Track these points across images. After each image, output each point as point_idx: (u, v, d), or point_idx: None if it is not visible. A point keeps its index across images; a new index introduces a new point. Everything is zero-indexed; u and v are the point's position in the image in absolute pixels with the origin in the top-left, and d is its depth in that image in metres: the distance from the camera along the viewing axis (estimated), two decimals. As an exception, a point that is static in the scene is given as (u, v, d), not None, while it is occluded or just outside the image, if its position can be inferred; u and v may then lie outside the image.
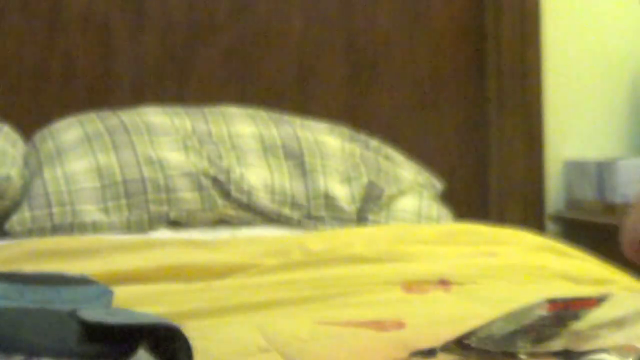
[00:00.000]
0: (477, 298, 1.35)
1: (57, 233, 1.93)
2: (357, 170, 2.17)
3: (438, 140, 2.52)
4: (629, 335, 1.03)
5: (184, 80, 2.40)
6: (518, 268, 1.57)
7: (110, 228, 1.96)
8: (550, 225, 2.52)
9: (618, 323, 1.10)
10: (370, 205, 2.13)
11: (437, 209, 2.20)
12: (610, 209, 2.33)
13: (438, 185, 2.30)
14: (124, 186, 1.99)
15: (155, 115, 2.15)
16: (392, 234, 1.85)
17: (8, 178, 1.96)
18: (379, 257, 1.63)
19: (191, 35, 2.42)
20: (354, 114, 2.46)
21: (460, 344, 0.99)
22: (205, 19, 2.43)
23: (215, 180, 2.05)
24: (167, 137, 2.08)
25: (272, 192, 2.08)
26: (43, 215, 1.94)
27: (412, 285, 1.44)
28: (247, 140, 2.15)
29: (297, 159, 2.14)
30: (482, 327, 1.04)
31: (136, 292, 1.39)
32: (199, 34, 2.42)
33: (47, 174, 2.00)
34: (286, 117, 2.28)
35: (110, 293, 1.23)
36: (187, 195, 2.01)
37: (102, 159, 2.02)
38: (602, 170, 2.38)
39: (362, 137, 2.31)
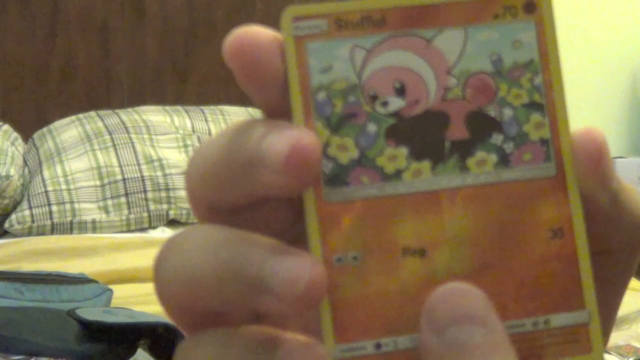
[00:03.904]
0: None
1: (56, 232, 1.93)
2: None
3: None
4: (628, 334, 1.04)
5: (184, 80, 2.41)
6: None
7: (110, 226, 1.97)
8: (549, 225, 2.53)
9: (616, 323, 1.11)
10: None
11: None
12: (609, 208, 2.34)
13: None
14: (123, 185, 1.99)
15: (154, 114, 2.15)
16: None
17: (8, 177, 1.96)
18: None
19: (191, 35, 2.42)
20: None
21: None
22: (205, 18, 2.43)
23: (214, 180, 2.05)
24: (167, 136, 2.09)
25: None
26: (42, 214, 1.94)
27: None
28: (247, 139, 2.16)
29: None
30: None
31: (135, 291, 1.39)
32: (199, 34, 2.42)
33: (46, 172, 2.00)
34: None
35: (109, 292, 1.24)
36: (187, 194, 2.02)
37: (101, 157, 2.02)
38: (601, 170, 2.38)
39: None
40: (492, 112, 0.27)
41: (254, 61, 0.26)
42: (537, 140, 0.27)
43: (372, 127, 0.26)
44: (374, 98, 0.26)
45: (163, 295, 0.27)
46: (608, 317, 0.31)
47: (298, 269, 0.24)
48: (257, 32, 0.26)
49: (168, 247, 0.27)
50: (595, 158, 0.27)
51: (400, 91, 0.27)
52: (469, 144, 0.27)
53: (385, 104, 0.26)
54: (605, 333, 0.31)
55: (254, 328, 0.26)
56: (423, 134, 0.27)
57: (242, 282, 0.25)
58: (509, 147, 0.27)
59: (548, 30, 0.28)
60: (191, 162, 0.27)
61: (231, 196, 0.26)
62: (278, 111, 0.26)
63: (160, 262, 0.27)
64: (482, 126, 0.27)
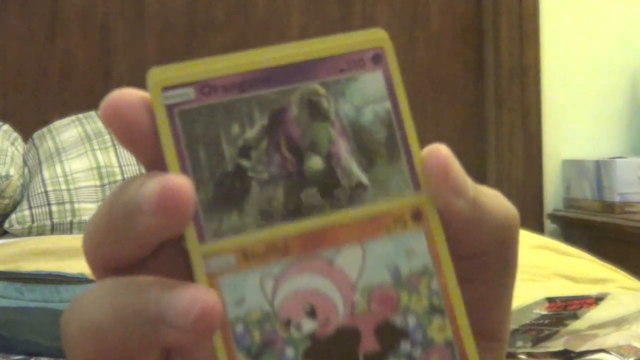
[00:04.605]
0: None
1: (56, 232, 1.93)
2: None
3: (437, 139, 2.51)
4: (628, 335, 1.03)
5: (184, 79, 2.41)
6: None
7: (110, 227, 1.96)
8: (548, 224, 2.53)
9: (617, 323, 1.10)
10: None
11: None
12: (609, 207, 2.33)
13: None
14: (123, 185, 1.99)
15: (154, 115, 2.15)
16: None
17: (8, 177, 1.96)
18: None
19: (191, 35, 2.42)
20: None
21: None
22: (205, 18, 2.43)
23: (214, 180, 2.05)
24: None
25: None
26: (42, 214, 1.94)
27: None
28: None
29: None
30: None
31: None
32: (199, 34, 2.42)
33: (46, 172, 2.00)
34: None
35: (110, 292, 1.23)
36: (187, 195, 2.02)
37: (101, 157, 2.02)
38: (600, 169, 2.38)
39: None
40: (397, 321, 0.29)
41: (126, 122, 0.28)
42: (442, 343, 0.29)
43: (290, 352, 0.28)
44: (287, 323, 0.28)
45: (71, 349, 0.28)
46: (500, 320, 0.33)
47: (191, 297, 0.26)
48: (127, 95, 0.29)
49: (71, 308, 0.28)
50: (442, 170, 0.29)
51: (311, 313, 0.28)
52: (381, 355, 0.29)
53: (298, 327, 0.28)
54: (502, 338, 0.33)
55: None
56: (338, 351, 0.28)
57: (142, 322, 0.26)
58: (417, 353, 0.29)
59: (437, 235, 0.29)
60: (86, 228, 0.29)
61: (122, 250, 0.28)
62: (157, 166, 0.28)
63: (67, 319, 0.28)
64: (390, 336, 0.29)
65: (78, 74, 2.36)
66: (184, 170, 0.28)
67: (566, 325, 1.09)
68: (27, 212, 1.94)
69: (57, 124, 2.15)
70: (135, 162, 2.02)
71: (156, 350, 0.28)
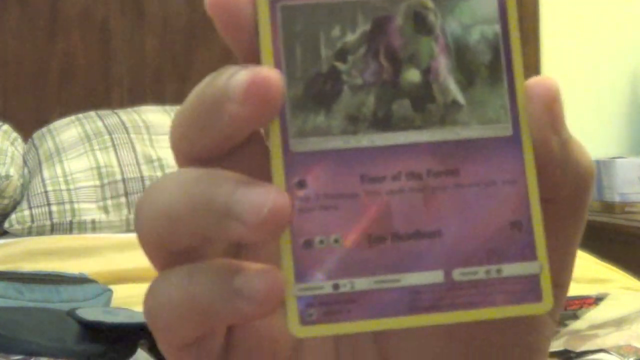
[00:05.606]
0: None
1: (56, 232, 1.93)
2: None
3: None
4: (628, 335, 1.03)
5: (184, 80, 2.41)
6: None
7: (110, 227, 1.97)
8: (549, 225, 2.53)
9: (617, 323, 1.10)
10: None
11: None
12: (609, 208, 2.33)
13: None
14: (123, 185, 1.99)
15: (154, 114, 2.15)
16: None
17: (7, 177, 1.96)
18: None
19: (191, 35, 2.42)
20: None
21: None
22: (205, 18, 2.43)
23: (214, 180, 2.05)
24: (167, 136, 2.09)
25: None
26: (42, 214, 1.94)
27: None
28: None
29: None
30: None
31: (135, 291, 1.39)
32: (199, 34, 2.42)
33: (46, 172, 2.00)
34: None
35: (109, 292, 1.24)
36: (187, 195, 2.02)
37: (101, 157, 2.02)
38: (600, 169, 2.38)
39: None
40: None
41: (229, 12, 0.29)
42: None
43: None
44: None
45: (141, 232, 0.28)
46: (564, 268, 0.33)
47: (263, 196, 0.26)
48: None
49: (148, 190, 0.28)
50: (548, 102, 0.28)
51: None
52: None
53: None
54: (564, 285, 0.33)
55: (218, 259, 0.28)
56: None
57: (212, 213, 0.26)
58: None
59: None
60: (173, 118, 0.29)
61: (206, 139, 0.28)
62: (253, 60, 0.28)
63: (140, 203, 0.28)
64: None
65: (78, 74, 2.36)
66: (277, 65, 0.28)
67: (566, 325, 1.09)
68: (27, 212, 1.94)
69: (57, 124, 2.16)
70: (135, 162, 2.02)
71: (225, 242, 0.28)
